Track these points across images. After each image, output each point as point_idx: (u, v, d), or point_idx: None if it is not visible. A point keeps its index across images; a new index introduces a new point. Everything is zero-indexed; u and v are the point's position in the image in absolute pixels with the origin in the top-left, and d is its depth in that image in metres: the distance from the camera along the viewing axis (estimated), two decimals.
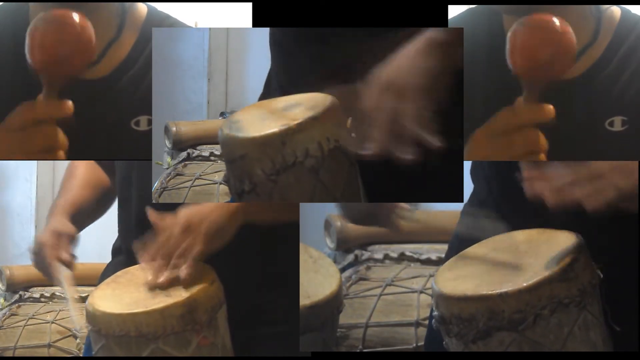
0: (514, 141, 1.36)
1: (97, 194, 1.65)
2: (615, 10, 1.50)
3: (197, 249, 1.32)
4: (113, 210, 1.58)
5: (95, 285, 1.48)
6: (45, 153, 1.46)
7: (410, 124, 1.16)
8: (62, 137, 1.44)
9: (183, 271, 1.31)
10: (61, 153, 1.45)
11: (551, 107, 1.36)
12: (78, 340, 2.77)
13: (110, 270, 1.52)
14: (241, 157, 1.18)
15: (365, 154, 1.17)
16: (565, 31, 1.35)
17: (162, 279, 1.31)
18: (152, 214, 1.35)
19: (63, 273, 1.52)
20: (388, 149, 1.16)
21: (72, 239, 1.57)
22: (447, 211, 2.25)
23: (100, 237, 1.98)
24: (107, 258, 1.60)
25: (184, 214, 1.34)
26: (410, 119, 1.16)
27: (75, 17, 1.43)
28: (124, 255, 1.54)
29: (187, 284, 1.29)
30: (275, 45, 1.42)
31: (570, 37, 1.35)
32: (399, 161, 1.15)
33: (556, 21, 1.35)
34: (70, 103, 1.44)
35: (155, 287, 1.31)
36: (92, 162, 1.66)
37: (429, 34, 1.23)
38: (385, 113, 1.17)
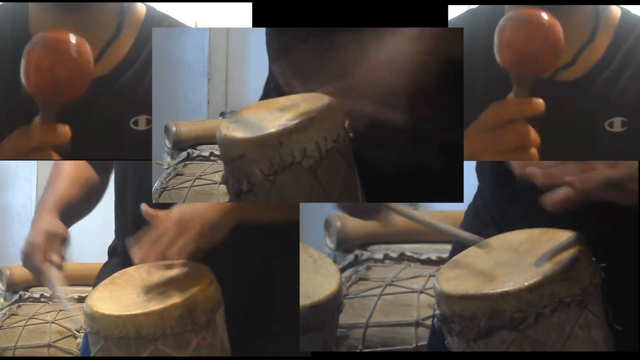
0: (504, 136, 1.35)
1: (85, 190, 1.65)
2: (615, 10, 1.50)
3: (190, 246, 1.32)
4: (111, 211, 1.58)
5: (92, 285, 1.48)
6: None
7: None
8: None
9: (176, 271, 1.31)
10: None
11: (541, 100, 1.36)
12: (78, 340, 2.77)
13: (106, 270, 1.52)
14: (239, 158, 1.18)
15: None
16: (553, 24, 1.34)
17: (156, 277, 1.31)
18: (146, 210, 1.35)
19: (53, 274, 1.51)
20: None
21: (64, 240, 1.56)
22: (447, 211, 2.25)
23: (98, 238, 1.98)
24: (105, 258, 1.60)
25: (177, 211, 1.34)
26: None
27: (72, 39, 1.40)
28: (120, 256, 1.54)
29: (181, 282, 1.29)
30: (274, 44, 1.41)
31: (557, 31, 1.34)
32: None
33: (544, 15, 1.34)
34: (67, 128, 1.42)
35: (150, 287, 1.30)
36: None
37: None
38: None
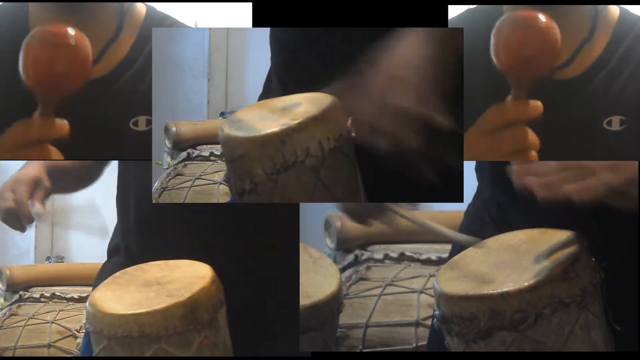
0: (503, 139, 1.36)
1: (77, 165, 1.63)
2: (614, 9, 1.50)
3: None
4: (110, 211, 1.58)
5: (92, 285, 1.48)
6: None
7: (415, 107, 1.16)
8: (56, 157, 1.42)
9: (178, 270, 1.29)
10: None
11: (539, 103, 1.36)
12: (78, 340, 2.77)
13: (106, 270, 1.51)
14: (241, 157, 1.18)
15: (376, 147, 1.17)
16: (549, 27, 1.34)
17: (158, 276, 1.28)
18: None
19: (34, 211, 1.45)
20: (398, 139, 1.16)
21: (46, 191, 1.50)
22: (447, 211, 2.25)
23: (99, 237, 1.99)
24: (105, 258, 1.60)
25: None
26: (415, 103, 1.16)
27: (71, 32, 1.39)
28: (120, 255, 1.54)
29: (183, 281, 1.28)
30: (276, 43, 1.41)
31: (554, 33, 1.34)
32: (408, 149, 1.15)
33: (540, 17, 1.34)
34: (66, 122, 1.41)
35: (152, 286, 1.30)
36: None
37: (428, 29, 1.23)
38: (391, 105, 1.17)
